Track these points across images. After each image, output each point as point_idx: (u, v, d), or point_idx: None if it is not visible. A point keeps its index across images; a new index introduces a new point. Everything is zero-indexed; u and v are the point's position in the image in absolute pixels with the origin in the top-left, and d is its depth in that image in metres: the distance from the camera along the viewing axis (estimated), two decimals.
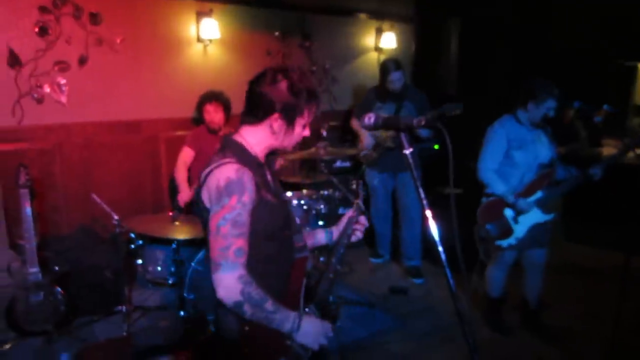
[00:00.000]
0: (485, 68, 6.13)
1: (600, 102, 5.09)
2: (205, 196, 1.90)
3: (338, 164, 5.97)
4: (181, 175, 4.57)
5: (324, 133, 4.82)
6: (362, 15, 6.85)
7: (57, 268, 3.73)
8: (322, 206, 4.45)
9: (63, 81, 4.71)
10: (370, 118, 1.91)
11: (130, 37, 5.02)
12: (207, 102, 4.60)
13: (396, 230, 5.48)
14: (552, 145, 3.83)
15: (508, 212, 3.76)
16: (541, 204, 3.72)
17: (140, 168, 5.31)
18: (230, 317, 1.93)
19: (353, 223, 2.23)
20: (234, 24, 5.70)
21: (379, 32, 7.00)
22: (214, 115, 4.58)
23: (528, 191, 3.73)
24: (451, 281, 1.67)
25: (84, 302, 4.01)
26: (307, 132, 2.03)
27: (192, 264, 3.79)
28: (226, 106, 4.64)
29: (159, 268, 3.96)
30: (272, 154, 2.13)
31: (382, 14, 6.96)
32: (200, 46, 5.49)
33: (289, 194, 4.37)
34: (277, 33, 6.07)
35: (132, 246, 3.93)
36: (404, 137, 1.83)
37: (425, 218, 1.77)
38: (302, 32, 6.30)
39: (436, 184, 5.44)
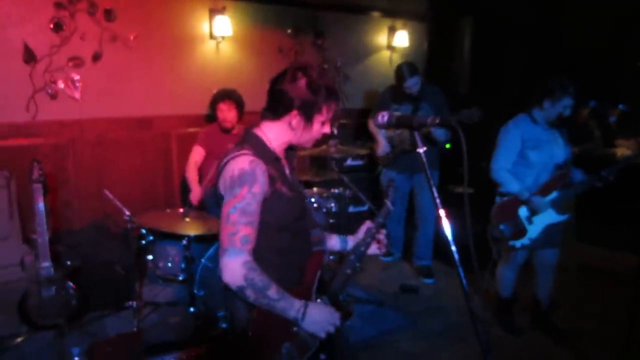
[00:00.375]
0: (498, 66, 6.10)
1: (615, 102, 5.05)
2: (221, 185, 1.98)
3: (349, 162, 5.95)
4: (192, 175, 4.59)
5: (335, 131, 4.80)
6: (375, 13, 6.83)
7: (69, 263, 3.75)
8: (332, 204, 4.45)
9: (77, 77, 4.74)
10: (383, 117, 1.92)
11: (143, 34, 5.04)
12: (220, 101, 4.62)
13: (408, 230, 5.46)
14: (568, 146, 3.80)
15: (522, 212, 3.74)
16: (556, 205, 3.69)
17: (152, 164, 5.33)
18: (240, 302, 2.00)
19: (372, 234, 2.23)
20: (247, 21, 5.70)
21: (392, 30, 6.96)
22: (227, 113, 4.59)
23: (543, 191, 3.70)
24: (464, 281, 1.66)
25: (95, 297, 4.03)
26: (327, 130, 2.08)
27: (203, 260, 3.80)
28: (239, 105, 4.65)
29: (170, 264, 3.97)
30: (292, 149, 2.18)
31: (395, 12, 6.93)
32: (212, 43, 5.50)
33: None
34: (289, 30, 6.07)
35: (143, 242, 3.94)
36: (417, 136, 1.83)
37: (438, 217, 1.76)
38: (314, 29, 6.29)
39: (448, 183, 5.42)
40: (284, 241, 2.04)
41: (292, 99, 1.96)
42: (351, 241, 2.35)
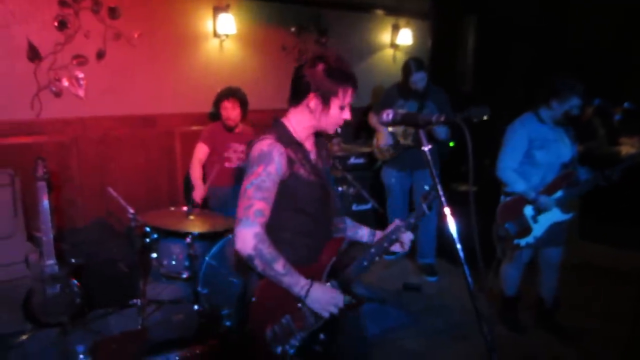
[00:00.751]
0: (502, 65, 6.08)
1: (620, 100, 5.02)
2: (246, 167, 2.15)
3: (352, 160, 5.95)
4: (196, 173, 4.58)
5: (338, 130, 4.79)
6: (379, 11, 6.82)
7: (73, 260, 3.76)
8: None
9: (81, 75, 4.75)
10: (388, 114, 1.94)
11: (147, 32, 5.04)
12: (224, 99, 4.61)
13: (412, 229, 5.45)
14: (574, 145, 3.78)
15: (527, 211, 3.73)
16: (561, 203, 3.69)
17: (155, 162, 5.34)
18: (253, 271, 2.14)
19: (399, 232, 2.34)
20: (250, 19, 5.70)
21: (396, 28, 6.96)
22: (230, 111, 4.59)
23: (549, 190, 3.69)
24: (469, 279, 1.66)
25: (99, 295, 4.04)
26: (347, 115, 2.21)
27: (207, 258, 3.81)
28: (243, 103, 4.65)
29: (174, 262, 3.98)
30: (319, 136, 2.33)
31: (398, 10, 6.92)
32: (216, 41, 5.50)
33: None
34: (293, 28, 6.06)
35: (147, 240, 3.95)
36: (422, 134, 1.84)
37: (442, 215, 1.76)
38: (318, 27, 6.28)
39: (451, 181, 5.42)
40: (299, 222, 2.19)
41: (309, 82, 2.11)
42: (379, 236, 2.46)
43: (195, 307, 3.76)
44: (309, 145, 2.26)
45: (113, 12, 4.81)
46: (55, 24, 4.56)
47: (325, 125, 2.21)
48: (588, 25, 5.83)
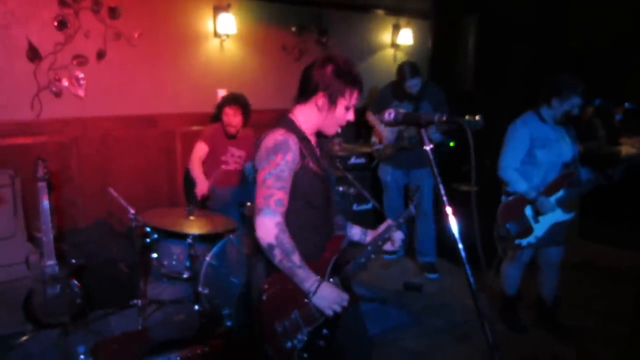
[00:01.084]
0: (503, 65, 6.07)
1: (621, 100, 5.03)
2: (257, 161, 2.20)
3: (352, 160, 5.95)
4: (197, 170, 4.56)
5: (339, 129, 4.79)
6: (379, 11, 6.82)
7: (73, 261, 3.76)
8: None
9: (81, 75, 4.75)
10: (390, 114, 1.95)
11: (147, 32, 5.04)
12: (227, 105, 4.60)
13: (410, 225, 5.46)
14: (575, 144, 3.78)
15: (528, 211, 3.73)
16: (562, 203, 3.68)
17: (155, 163, 5.34)
18: (261, 266, 2.23)
19: (391, 231, 2.40)
20: (251, 19, 5.70)
21: (396, 28, 6.96)
22: (232, 118, 4.58)
23: (550, 190, 3.69)
24: (471, 279, 1.66)
25: (99, 295, 4.04)
26: (350, 116, 2.27)
27: (207, 258, 3.81)
28: (245, 110, 4.63)
29: (174, 262, 3.98)
30: (320, 136, 2.38)
31: (399, 10, 6.92)
32: (217, 41, 5.50)
33: None
34: (293, 28, 6.06)
35: (148, 240, 3.95)
36: (424, 133, 1.84)
37: (444, 214, 1.76)
38: (318, 27, 6.28)
39: (451, 181, 5.41)
40: (308, 216, 2.23)
41: (319, 81, 2.18)
42: (370, 235, 2.53)
43: (196, 307, 3.76)
44: (313, 142, 2.33)
45: (113, 12, 4.81)
46: (55, 23, 4.56)
47: (329, 124, 2.27)
48: (589, 25, 5.83)
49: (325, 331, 2.20)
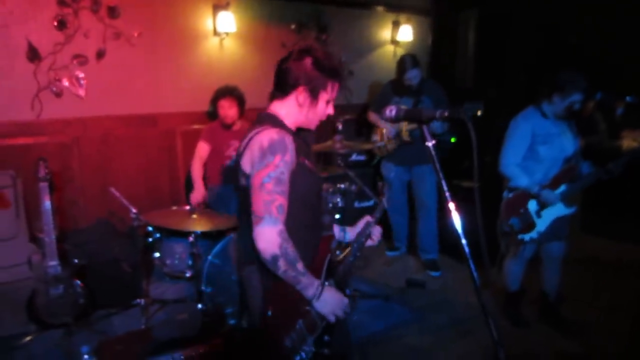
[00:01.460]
0: (503, 61, 6.07)
1: (622, 94, 5.02)
2: (246, 162, 2.02)
3: (354, 157, 5.95)
4: (197, 172, 4.56)
5: (340, 126, 4.79)
6: (379, 8, 6.80)
7: (76, 261, 3.76)
8: (338, 199, 4.44)
9: (81, 75, 4.74)
10: (391, 110, 1.92)
11: (147, 31, 5.03)
12: (221, 97, 4.60)
13: (412, 222, 5.47)
14: (577, 138, 3.78)
15: (531, 206, 3.73)
16: (564, 198, 3.68)
17: (156, 162, 5.33)
18: (255, 278, 2.09)
19: (371, 227, 2.33)
20: (250, 17, 5.69)
21: (396, 24, 6.94)
22: (227, 110, 4.58)
23: (552, 184, 3.68)
24: (475, 274, 1.65)
25: (102, 295, 4.04)
26: (330, 110, 2.17)
27: (210, 257, 3.80)
28: (240, 101, 4.64)
29: (177, 261, 3.97)
30: (304, 131, 2.24)
31: (399, 7, 6.91)
32: (216, 40, 5.49)
33: None
34: (293, 26, 6.05)
35: (150, 239, 3.94)
36: (425, 130, 1.83)
37: (447, 210, 1.76)
38: (318, 24, 6.27)
39: (452, 177, 5.41)
40: (307, 218, 2.12)
41: (299, 75, 2.06)
42: (349, 232, 2.43)
43: (199, 306, 3.76)
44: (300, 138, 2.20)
45: (112, 12, 4.80)
46: (55, 23, 4.55)
47: (310, 120, 2.17)
48: (590, 18, 5.81)
49: (326, 338, 2.11)
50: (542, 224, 3.72)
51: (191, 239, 3.75)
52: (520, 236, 3.76)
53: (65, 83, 4.68)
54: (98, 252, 4.30)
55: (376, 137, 5.16)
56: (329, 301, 2.03)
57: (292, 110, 2.12)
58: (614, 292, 4.61)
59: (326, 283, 2.11)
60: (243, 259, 2.07)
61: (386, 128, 5.03)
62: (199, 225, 3.83)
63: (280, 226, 1.90)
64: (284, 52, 2.17)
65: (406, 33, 6.92)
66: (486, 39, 6.07)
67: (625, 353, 3.64)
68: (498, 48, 5.98)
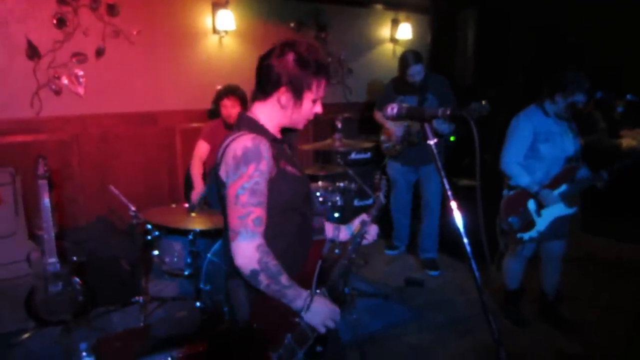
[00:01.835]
0: (502, 59, 6.07)
1: (622, 92, 5.01)
2: (222, 171, 1.89)
3: (353, 155, 5.95)
4: (196, 171, 4.54)
5: (339, 125, 4.78)
6: (378, 6, 6.80)
7: (75, 258, 3.75)
8: (337, 198, 4.44)
9: (80, 73, 4.74)
10: (393, 108, 1.88)
11: (146, 29, 5.03)
12: (224, 97, 4.58)
13: (414, 222, 5.46)
14: (578, 138, 3.78)
15: (531, 205, 3.72)
16: (564, 198, 3.68)
17: (156, 160, 5.33)
18: (241, 291, 1.94)
19: (367, 225, 2.23)
20: (250, 15, 5.69)
21: (395, 23, 6.95)
22: (230, 109, 4.57)
23: (553, 184, 3.68)
24: (476, 273, 1.64)
25: (101, 293, 4.03)
26: (318, 109, 2.00)
27: (208, 255, 3.80)
28: (243, 101, 4.62)
29: (175, 259, 3.98)
30: (290, 131, 2.08)
31: (398, 5, 6.91)
32: (215, 38, 5.49)
33: None
34: (292, 24, 6.05)
35: (149, 237, 3.95)
36: (427, 128, 1.80)
37: (448, 209, 1.75)
38: (317, 23, 6.27)
39: (452, 176, 5.41)
40: (292, 225, 1.97)
41: (280, 74, 1.88)
42: (343, 230, 2.31)
43: (198, 304, 3.76)
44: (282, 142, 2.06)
45: (112, 9, 4.80)
46: (54, 21, 4.55)
47: (296, 121, 1.99)
48: (590, 17, 5.81)
49: (319, 348, 1.99)
50: (542, 223, 3.71)
51: (190, 237, 3.75)
52: (519, 235, 3.76)
53: (65, 81, 4.68)
54: (97, 249, 4.31)
55: (384, 138, 5.13)
56: (318, 312, 1.89)
57: (274, 112, 1.95)
58: (614, 291, 4.62)
59: (318, 291, 1.98)
60: (228, 270, 1.94)
61: (393, 130, 4.99)
62: (198, 223, 3.83)
63: (258, 240, 1.78)
64: None
65: (405, 31, 6.93)
66: (485, 37, 6.06)
67: (625, 353, 3.65)
68: (497, 46, 5.97)
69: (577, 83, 3.54)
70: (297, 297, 1.85)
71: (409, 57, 4.72)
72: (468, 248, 1.66)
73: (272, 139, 1.93)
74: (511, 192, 3.80)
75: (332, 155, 5.82)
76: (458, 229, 1.69)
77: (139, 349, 3.08)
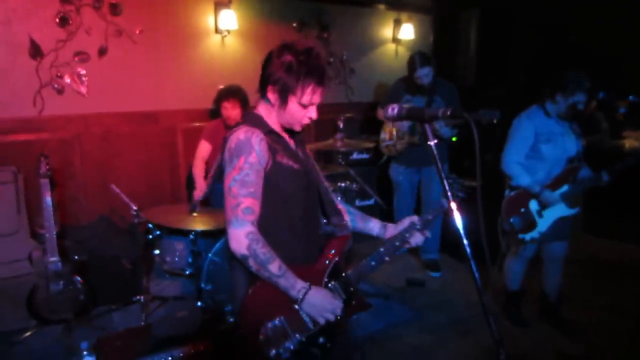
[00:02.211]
0: (504, 59, 6.06)
1: (624, 93, 5.01)
2: (224, 161, 2.00)
3: (355, 155, 5.94)
4: (199, 171, 4.54)
5: (341, 125, 4.78)
6: (380, 6, 6.80)
7: (76, 257, 3.76)
8: (338, 198, 4.43)
9: (83, 72, 4.74)
10: (393, 109, 1.90)
11: (149, 28, 5.03)
12: (224, 99, 4.58)
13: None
14: (580, 139, 3.77)
15: (533, 206, 3.72)
16: (566, 198, 3.67)
17: (157, 159, 5.33)
18: (239, 272, 2.05)
19: (413, 230, 2.23)
20: (252, 15, 5.69)
21: (397, 23, 6.94)
22: (230, 111, 4.57)
23: (554, 184, 3.68)
24: (476, 274, 1.65)
25: (102, 292, 4.04)
26: (312, 114, 2.03)
27: (210, 255, 3.80)
28: (243, 102, 4.61)
29: (177, 259, 3.97)
30: (292, 132, 2.14)
31: (400, 5, 6.90)
32: (218, 37, 5.49)
33: None
34: (294, 24, 6.06)
35: (150, 236, 3.95)
36: (428, 128, 1.81)
37: (448, 210, 1.75)
38: (319, 23, 6.27)
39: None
40: (290, 216, 2.05)
41: (269, 74, 1.98)
42: (390, 229, 2.33)
43: (199, 303, 3.76)
44: (286, 137, 2.12)
45: (114, 9, 4.81)
46: (57, 20, 4.55)
47: (287, 122, 2.06)
48: (592, 17, 5.80)
49: (322, 340, 2.05)
50: (543, 224, 3.71)
51: (191, 237, 3.76)
52: (520, 235, 3.75)
53: (67, 80, 4.68)
54: (98, 248, 4.31)
55: (385, 135, 5.10)
56: (316, 304, 1.96)
57: (268, 109, 2.06)
58: (615, 292, 4.61)
59: (330, 285, 2.07)
60: (229, 255, 2.03)
61: (397, 124, 4.97)
62: (199, 223, 3.83)
63: (248, 228, 1.88)
64: None
65: (407, 31, 6.92)
66: (487, 37, 6.05)
67: (626, 354, 3.64)
68: (499, 46, 5.96)
69: (577, 83, 3.53)
70: (289, 287, 1.93)
71: (416, 59, 4.68)
72: (468, 249, 1.67)
73: (267, 131, 2.00)
74: (512, 193, 3.80)
75: (333, 155, 5.82)
76: (458, 230, 1.70)
77: (140, 348, 3.08)
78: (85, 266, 3.87)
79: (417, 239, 2.25)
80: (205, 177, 4.57)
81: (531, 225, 3.72)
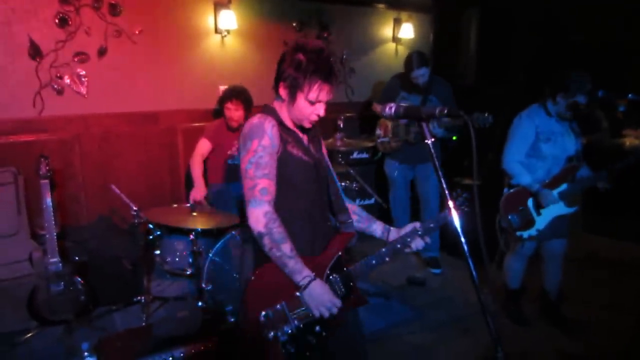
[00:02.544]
0: (505, 58, 6.05)
1: (624, 91, 4.99)
2: (240, 148, 2.13)
3: (355, 155, 5.94)
4: (197, 170, 4.47)
5: (341, 124, 4.78)
6: (380, 6, 6.79)
7: (77, 258, 3.76)
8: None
9: (82, 72, 4.74)
10: (391, 108, 1.91)
11: (148, 28, 5.03)
12: (227, 100, 4.57)
13: (414, 220, 5.45)
14: (579, 138, 3.78)
15: (531, 204, 3.72)
16: (565, 197, 3.68)
17: (157, 159, 5.33)
18: (250, 256, 2.26)
19: (415, 235, 2.31)
20: (252, 14, 5.69)
21: (397, 22, 6.94)
22: (233, 112, 4.56)
23: (553, 183, 3.68)
24: (474, 272, 1.65)
25: (103, 292, 4.04)
26: (320, 111, 2.13)
27: (210, 255, 3.81)
28: (246, 104, 4.60)
29: (177, 259, 3.98)
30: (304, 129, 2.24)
31: (400, 4, 6.90)
32: (217, 37, 5.49)
33: None
34: (294, 24, 6.05)
35: (151, 237, 3.95)
36: (425, 127, 1.82)
37: (447, 208, 1.76)
38: (319, 22, 6.26)
39: (454, 175, 5.40)
40: (298, 206, 2.17)
41: (281, 71, 2.11)
42: (393, 233, 2.41)
43: (199, 303, 3.76)
44: (297, 132, 2.24)
45: (114, 9, 4.80)
46: (56, 21, 4.55)
47: (296, 117, 2.17)
48: (592, 16, 5.80)
49: (317, 328, 2.12)
50: (541, 221, 3.71)
51: (192, 236, 3.76)
52: (518, 233, 3.76)
53: (67, 80, 4.68)
54: (99, 249, 4.32)
55: (380, 132, 5.11)
56: (316, 296, 2.03)
57: (280, 105, 2.19)
58: (615, 290, 4.61)
59: (331, 277, 2.15)
60: (245, 237, 2.20)
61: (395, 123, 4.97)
62: (199, 223, 3.83)
63: (265, 207, 2.01)
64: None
65: (407, 31, 6.91)
66: (488, 36, 6.04)
67: (626, 352, 3.64)
68: (500, 45, 5.96)
69: (579, 84, 3.53)
70: (297, 271, 2.02)
71: (413, 60, 4.70)
72: (465, 247, 1.68)
73: (284, 126, 2.16)
74: (511, 190, 3.80)
75: (333, 155, 5.80)
76: (456, 228, 1.70)
77: (141, 348, 3.08)
78: (86, 267, 3.88)
79: (418, 243, 2.33)
80: (204, 177, 4.56)
81: (529, 223, 3.73)
